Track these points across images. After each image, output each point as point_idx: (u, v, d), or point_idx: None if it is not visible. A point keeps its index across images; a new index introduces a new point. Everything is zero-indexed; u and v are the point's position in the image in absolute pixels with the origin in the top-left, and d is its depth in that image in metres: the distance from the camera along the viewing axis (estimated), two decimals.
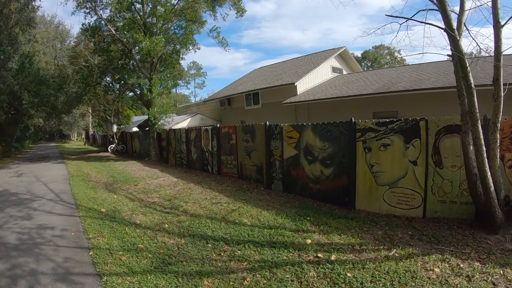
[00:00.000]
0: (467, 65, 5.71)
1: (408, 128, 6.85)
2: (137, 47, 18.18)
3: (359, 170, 7.53)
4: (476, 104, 5.68)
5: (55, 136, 72.20)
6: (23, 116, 31.05)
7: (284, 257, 5.21)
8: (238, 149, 11.33)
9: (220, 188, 10.15)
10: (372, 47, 57.59)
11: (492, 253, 4.97)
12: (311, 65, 21.45)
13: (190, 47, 18.79)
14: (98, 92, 25.83)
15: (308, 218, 6.96)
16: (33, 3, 23.72)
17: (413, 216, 6.77)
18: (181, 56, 19.37)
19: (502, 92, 5.54)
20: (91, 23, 18.97)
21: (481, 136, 5.63)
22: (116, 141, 30.13)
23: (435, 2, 5.93)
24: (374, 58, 56.43)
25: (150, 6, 17.88)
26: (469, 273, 4.37)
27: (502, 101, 5.56)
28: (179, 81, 20.69)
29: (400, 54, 50.00)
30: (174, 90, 23.91)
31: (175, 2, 17.99)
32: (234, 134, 11.39)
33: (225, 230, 6.53)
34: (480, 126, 5.64)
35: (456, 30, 5.79)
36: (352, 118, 7.70)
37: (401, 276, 4.36)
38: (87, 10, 18.09)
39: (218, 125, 12.48)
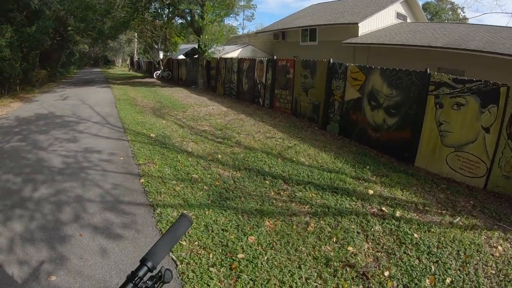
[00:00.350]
0: None
1: (487, 91, 6.25)
2: None
3: (425, 125, 7.18)
4: None
5: (100, 62, 72.78)
6: (68, 42, 31.22)
7: (347, 205, 5.16)
8: (294, 84, 11.09)
9: (273, 123, 10.22)
10: None
11: None
12: (375, 7, 19.97)
13: None
14: (146, 18, 25.31)
15: (368, 167, 6.86)
16: None
17: (474, 185, 6.43)
18: None
19: None
20: None
21: None
22: (162, 68, 29.95)
23: None
24: (436, 11, 51.23)
25: None
26: None
27: None
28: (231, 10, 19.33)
29: (464, 12, 45.25)
30: (224, 20, 22.56)
31: None
32: (292, 68, 11.08)
33: (283, 167, 6.56)
34: None
35: None
36: (428, 69, 7.16)
37: (466, 247, 4.25)
38: None
39: (275, 57, 12.11)
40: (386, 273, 3.66)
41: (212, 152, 7.18)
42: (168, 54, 32.07)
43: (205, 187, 5.48)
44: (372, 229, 4.50)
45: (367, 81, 8.37)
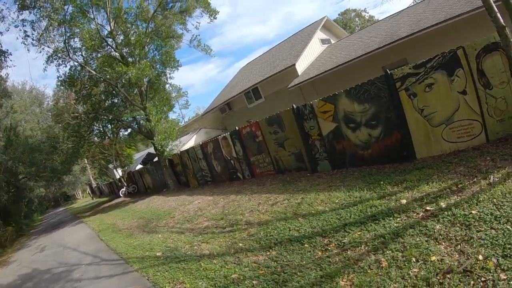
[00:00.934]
0: None
1: (447, 61, 6.68)
2: (122, 80, 17.67)
3: (409, 119, 7.35)
4: None
5: (61, 201, 70.29)
6: (24, 190, 29.96)
7: (395, 224, 4.95)
8: (267, 144, 11.00)
9: (265, 189, 9.80)
10: (338, 14, 57.19)
11: None
12: (302, 43, 21.24)
13: (175, 64, 18.21)
14: (93, 141, 25.21)
15: (381, 183, 6.69)
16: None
17: (477, 144, 6.68)
18: (168, 75, 18.98)
19: None
20: (66, 73, 18.38)
21: None
22: (126, 184, 29.47)
23: None
24: (344, 24, 56.55)
25: (122, 37, 17.50)
26: None
27: None
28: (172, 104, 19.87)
29: (367, 13, 50.59)
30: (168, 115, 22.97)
31: (144, 27, 17.53)
32: (258, 131, 11.07)
33: (309, 224, 6.13)
34: None
35: None
36: (387, 70, 7.50)
37: None
38: (59, 61, 17.28)
39: (236, 128, 12.09)
40: (480, 257, 3.60)
41: (230, 244, 6.55)
42: (126, 168, 31.79)
43: (253, 282, 4.86)
44: (435, 231, 4.38)
45: (337, 108, 8.50)
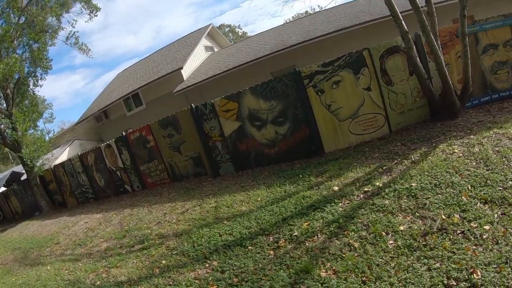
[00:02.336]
0: None
1: (354, 61, 7.15)
2: None
3: (317, 114, 7.41)
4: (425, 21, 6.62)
5: None
6: None
7: (340, 209, 4.83)
8: (160, 149, 9.64)
9: (165, 199, 8.49)
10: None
11: (470, 127, 6.12)
12: (187, 48, 19.99)
13: (47, 64, 15.05)
14: None
15: (301, 176, 6.51)
16: None
17: (381, 135, 7.26)
18: (38, 77, 15.45)
19: (434, 9, 6.87)
20: None
21: (436, 43, 6.58)
22: None
23: None
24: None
25: None
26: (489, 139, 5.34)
27: (435, 16, 6.86)
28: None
29: (241, 29, 52.35)
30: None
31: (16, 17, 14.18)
32: (149, 135, 9.61)
33: (240, 226, 5.38)
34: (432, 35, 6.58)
35: None
36: (296, 67, 7.53)
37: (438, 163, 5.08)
38: None
39: (123, 133, 10.35)
40: (443, 216, 3.86)
41: (150, 264, 5.27)
42: None
43: None
44: (386, 206, 4.43)
45: (241, 106, 7.95)
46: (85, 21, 17.68)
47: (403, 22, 6.72)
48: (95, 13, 15.90)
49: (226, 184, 7.76)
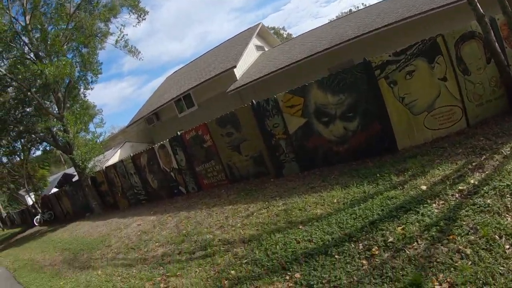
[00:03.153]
0: None
1: (427, 48, 6.64)
2: (37, 83, 14.63)
3: (390, 108, 6.91)
4: None
5: None
6: None
7: (436, 210, 4.33)
8: (218, 149, 9.41)
9: (225, 201, 8.17)
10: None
11: None
12: (239, 47, 19.96)
13: (97, 68, 15.50)
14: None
15: (378, 175, 5.99)
16: None
17: (458, 129, 6.73)
18: (89, 80, 15.96)
19: None
20: None
21: None
22: (41, 210, 24.97)
23: None
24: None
25: (38, 34, 14.41)
26: None
27: None
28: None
29: (286, 31, 52.96)
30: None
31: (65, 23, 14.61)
32: (206, 134, 9.41)
33: (320, 231, 4.88)
34: None
35: None
36: (365, 58, 7.01)
37: None
38: None
39: (179, 133, 10.18)
40: None
41: (217, 274, 4.84)
42: (40, 192, 27.35)
43: None
44: (490, 206, 3.96)
45: (307, 101, 7.57)
46: (133, 26, 18.23)
47: (478, 4, 6.32)
48: (143, 16, 16.15)
49: (292, 185, 7.34)
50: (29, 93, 15.12)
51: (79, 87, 16.02)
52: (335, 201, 5.65)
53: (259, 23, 22.33)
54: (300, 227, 5.21)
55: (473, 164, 5.09)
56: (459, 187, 4.57)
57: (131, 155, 12.84)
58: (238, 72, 17.80)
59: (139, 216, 10.57)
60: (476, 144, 5.73)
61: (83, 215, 17.12)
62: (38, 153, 23.28)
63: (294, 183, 7.40)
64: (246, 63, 18.99)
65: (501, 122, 6.25)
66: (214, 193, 9.30)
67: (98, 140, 15.38)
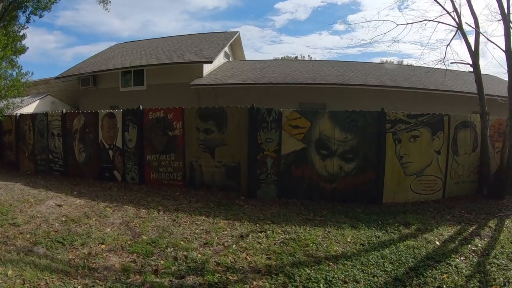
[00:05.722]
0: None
1: (435, 122, 7.44)
2: None
3: (388, 162, 7.22)
4: None
5: None
6: None
7: (463, 264, 4.50)
8: (186, 143, 7.87)
9: (190, 209, 6.62)
10: None
11: None
12: (213, 46, 17.95)
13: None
14: None
15: (380, 223, 6.01)
16: None
17: (435, 199, 7.56)
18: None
19: None
20: None
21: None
22: None
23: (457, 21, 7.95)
24: None
25: None
26: None
27: None
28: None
29: None
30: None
31: None
32: (178, 121, 7.76)
33: (360, 271, 4.31)
34: None
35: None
36: (383, 108, 7.25)
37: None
38: None
39: (140, 107, 8.14)
40: None
41: None
42: None
43: None
44: (501, 263, 4.42)
45: (313, 127, 7.15)
46: None
47: (485, 103, 7.49)
48: None
49: (274, 210, 6.56)
50: None
51: (26, 7, 12.46)
52: (348, 240, 5.21)
53: (237, 31, 21.09)
54: (331, 264, 4.45)
55: (469, 231, 5.63)
56: (472, 247, 4.92)
57: (63, 111, 9.86)
58: (206, 69, 16.45)
59: (55, 192, 7.85)
60: (460, 215, 6.43)
61: None
62: None
63: (276, 209, 6.65)
64: (211, 64, 17.52)
65: (472, 202, 7.24)
66: (165, 193, 7.61)
67: (23, 79, 11.58)
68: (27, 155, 11.10)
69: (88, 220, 6.11)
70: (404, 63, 32.41)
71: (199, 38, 20.84)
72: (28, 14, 13.23)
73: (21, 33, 13.11)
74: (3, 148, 12.76)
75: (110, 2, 14.45)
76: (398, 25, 8.68)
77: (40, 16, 13.61)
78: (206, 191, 7.71)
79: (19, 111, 12.89)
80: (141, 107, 8.30)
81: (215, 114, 7.64)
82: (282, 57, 40.20)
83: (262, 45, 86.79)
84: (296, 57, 43.13)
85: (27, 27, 13.58)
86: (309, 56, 53.42)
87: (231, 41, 19.60)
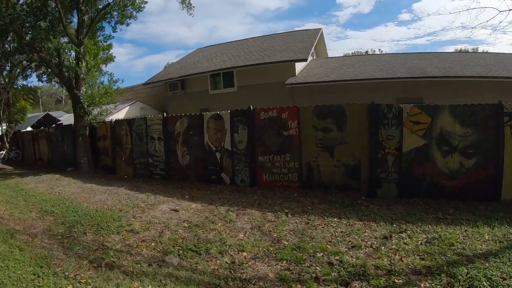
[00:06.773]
0: None
1: None
2: None
3: (507, 156, 7.23)
4: None
5: None
6: None
7: None
8: (303, 142, 8.02)
9: (317, 211, 6.70)
10: None
11: None
12: (302, 44, 18.01)
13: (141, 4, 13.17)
14: None
15: (508, 219, 5.89)
16: None
17: None
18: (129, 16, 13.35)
19: None
20: None
21: None
22: (8, 145, 22.61)
23: None
24: None
25: None
26: None
27: None
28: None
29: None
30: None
31: None
32: (293, 120, 7.93)
33: None
34: None
35: None
36: (500, 101, 7.28)
37: None
38: None
39: (251, 107, 8.22)
40: None
41: None
42: (15, 125, 24.51)
43: None
44: None
45: (434, 123, 7.43)
46: None
47: None
48: None
49: (402, 210, 6.69)
50: (49, 1, 12.81)
51: (111, 17, 13.02)
52: (486, 237, 5.35)
53: (319, 28, 21.45)
54: (482, 262, 4.56)
55: None
56: None
57: (164, 114, 9.98)
58: (298, 67, 16.64)
59: (164, 196, 8.00)
60: None
61: (63, 169, 14.29)
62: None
63: (402, 208, 6.82)
64: (301, 62, 17.71)
65: None
66: (282, 194, 7.85)
67: (114, 87, 11.74)
68: (124, 159, 11.47)
69: (214, 225, 6.28)
70: (479, 50, 32.57)
71: (282, 37, 21.63)
72: (114, 24, 14.02)
73: (107, 43, 13.84)
74: (98, 153, 13.28)
75: (194, 7, 14.96)
76: (500, 12, 8.35)
77: (127, 25, 14.55)
78: (324, 191, 8.01)
79: (111, 117, 13.80)
80: (251, 107, 8.52)
81: (333, 112, 7.95)
82: (352, 53, 40.33)
83: (327, 42, 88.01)
84: (367, 51, 43.24)
85: (113, 36, 14.49)
86: (379, 49, 53.19)
87: (317, 37, 19.89)
